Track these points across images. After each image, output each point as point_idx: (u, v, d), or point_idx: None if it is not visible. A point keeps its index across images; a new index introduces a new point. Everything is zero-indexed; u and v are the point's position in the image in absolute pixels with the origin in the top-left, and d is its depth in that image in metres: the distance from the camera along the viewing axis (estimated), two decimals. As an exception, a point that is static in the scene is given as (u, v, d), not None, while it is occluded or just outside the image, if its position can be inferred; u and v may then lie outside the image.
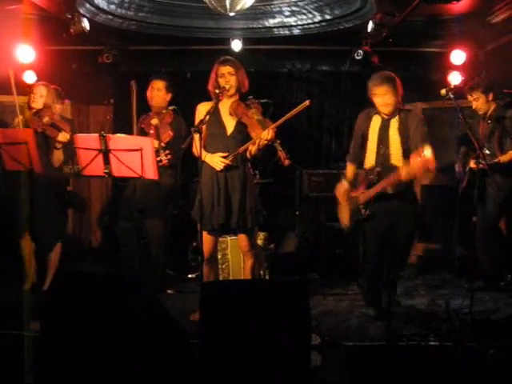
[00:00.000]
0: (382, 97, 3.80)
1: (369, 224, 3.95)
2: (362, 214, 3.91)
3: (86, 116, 6.25)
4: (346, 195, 3.98)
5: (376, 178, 3.82)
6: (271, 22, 5.55)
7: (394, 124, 3.83)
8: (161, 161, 4.05)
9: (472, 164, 4.51)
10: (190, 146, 3.61)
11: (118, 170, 3.72)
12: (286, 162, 3.45)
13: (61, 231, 4.59)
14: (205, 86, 3.79)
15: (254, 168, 4.48)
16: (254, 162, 3.98)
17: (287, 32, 5.64)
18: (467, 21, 5.06)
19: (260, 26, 5.59)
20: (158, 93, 4.45)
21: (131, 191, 4.46)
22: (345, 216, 4.03)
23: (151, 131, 4.36)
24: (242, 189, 3.71)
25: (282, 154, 3.45)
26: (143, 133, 4.39)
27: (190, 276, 5.08)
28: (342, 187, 4.00)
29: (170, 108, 4.49)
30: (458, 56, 5.45)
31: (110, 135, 3.70)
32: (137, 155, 3.64)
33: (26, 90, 4.51)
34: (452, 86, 3.87)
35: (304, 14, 5.37)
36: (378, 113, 3.88)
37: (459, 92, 4.23)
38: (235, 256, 4.60)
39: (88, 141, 3.71)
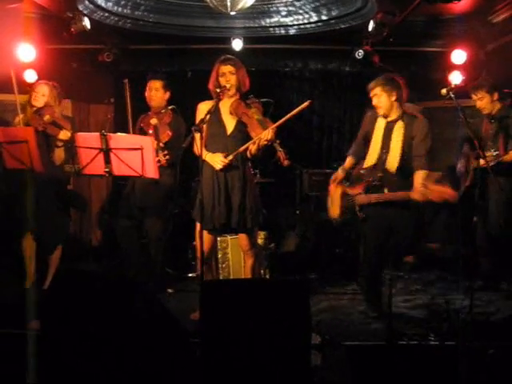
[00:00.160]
0: (374, 98, 3.85)
1: (366, 225, 3.96)
2: (358, 216, 3.92)
3: (87, 115, 6.25)
4: (339, 182, 4.06)
5: (378, 183, 3.83)
6: (272, 21, 5.55)
7: (398, 129, 3.82)
8: (159, 161, 4.05)
9: (475, 163, 4.50)
10: (191, 145, 3.61)
11: (119, 169, 3.72)
12: (286, 163, 3.45)
13: (64, 232, 4.59)
14: (205, 85, 3.79)
15: (254, 167, 4.49)
16: (254, 161, 3.99)
17: (288, 31, 5.64)
18: (468, 20, 5.06)
19: (260, 25, 5.59)
20: (156, 93, 4.45)
21: (130, 189, 4.46)
22: (335, 209, 4.06)
23: (150, 131, 4.36)
24: (242, 188, 3.71)
25: (281, 154, 3.45)
26: (142, 132, 4.39)
27: (190, 275, 5.08)
28: (337, 174, 4.09)
29: (170, 108, 4.49)
30: (458, 56, 5.45)
31: (111, 134, 3.70)
32: (137, 154, 3.64)
33: (26, 88, 4.51)
34: (453, 86, 3.87)
35: (305, 13, 5.37)
36: (384, 113, 3.89)
37: (460, 92, 4.23)
38: (235, 255, 4.60)
39: (89, 140, 3.72)
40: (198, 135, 3.42)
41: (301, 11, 5.32)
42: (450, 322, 3.56)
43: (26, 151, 3.94)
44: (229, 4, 3.90)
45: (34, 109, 4.29)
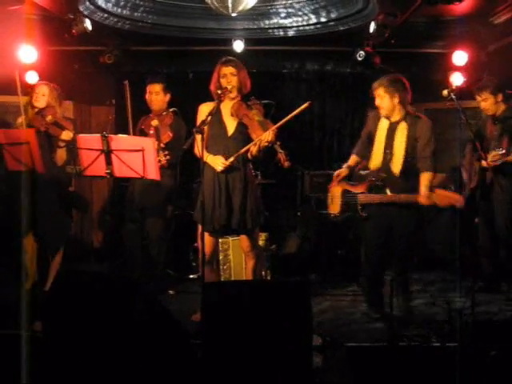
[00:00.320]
0: (377, 99, 3.86)
1: (367, 225, 3.96)
2: (360, 215, 3.92)
3: (88, 116, 6.26)
4: (341, 179, 4.06)
5: (381, 183, 3.84)
6: (272, 22, 5.55)
7: (402, 130, 3.82)
8: (160, 161, 4.05)
9: (477, 165, 4.50)
10: (191, 146, 3.61)
11: (120, 171, 3.72)
12: (286, 164, 3.45)
13: (65, 233, 4.60)
14: (207, 86, 3.80)
15: (255, 169, 4.48)
16: (255, 163, 3.99)
17: (288, 33, 5.64)
18: (469, 22, 5.06)
19: (261, 26, 5.59)
20: (157, 96, 4.46)
21: (131, 192, 4.49)
22: (335, 205, 4.06)
23: (151, 132, 4.37)
24: (243, 190, 3.71)
25: (281, 155, 3.45)
26: (143, 134, 4.41)
27: (191, 276, 5.09)
28: (341, 171, 4.09)
29: (171, 110, 4.49)
30: (460, 57, 5.44)
31: (112, 135, 3.70)
32: (138, 156, 3.63)
33: (27, 90, 4.51)
34: (454, 87, 3.88)
35: (305, 15, 5.38)
36: (386, 114, 3.89)
37: (461, 93, 4.23)
38: (237, 257, 4.60)
39: (90, 141, 3.72)
40: (199, 137, 3.43)
41: (301, 13, 5.32)
42: (451, 324, 3.55)
43: (27, 153, 3.95)
44: (230, 6, 3.91)
45: (36, 110, 4.29)
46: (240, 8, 3.95)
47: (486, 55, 5.55)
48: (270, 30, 5.63)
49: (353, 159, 4.13)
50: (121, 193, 4.78)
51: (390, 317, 3.52)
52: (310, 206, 5.62)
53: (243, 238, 3.83)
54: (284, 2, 5.21)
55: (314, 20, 5.42)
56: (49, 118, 4.21)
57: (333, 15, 5.28)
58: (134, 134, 4.36)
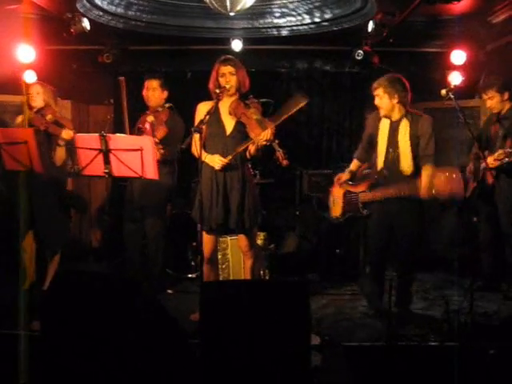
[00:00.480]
0: (377, 99, 3.87)
1: (369, 223, 3.97)
2: (361, 213, 3.92)
3: (87, 116, 6.25)
4: (343, 184, 4.05)
5: (382, 181, 3.84)
6: (271, 21, 5.54)
7: (403, 128, 3.83)
8: None
9: (476, 163, 4.49)
10: (190, 145, 3.61)
11: (118, 170, 3.72)
12: (284, 163, 3.44)
13: (64, 232, 4.59)
14: (205, 85, 3.79)
15: (254, 168, 4.49)
16: (254, 162, 3.99)
17: (287, 32, 5.64)
18: (468, 21, 5.06)
19: (260, 25, 5.58)
20: (154, 92, 4.46)
21: (130, 191, 4.48)
22: (337, 208, 4.06)
23: (147, 127, 4.37)
24: (241, 189, 3.70)
25: (280, 154, 3.45)
26: (140, 132, 4.40)
27: (190, 276, 5.08)
28: (342, 175, 4.11)
29: (166, 106, 4.49)
30: (458, 56, 5.44)
31: (111, 135, 3.70)
32: (137, 155, 3.63)
33: (25, 89, 4.51)
34: (452, 86, 3.87)
35: (304, 14, 5.37)
36: (385, 114, 3.89)
37: (459, 92, 4.23)
38: (235, 256, 4.60)
39: (88, 140, 3.71)
40: (197, 136, 3.42)
41: (299, 12, 5.32)
42: (449, 323, 3.55)
43: (25, 152, 3.94)
44: (228, 5, 3.90)
45: (35, 109, 4.29)
46: (238, 7, 3.94)
47: (484, 54, 5.55)
48: (271, 30, 5.63)
49: (354, 164, 4.15)
50: (119, 192, 4.78)
51: (389, 316, 3.52)
52: (309, 206, 5.63)
53: (241, 237, 3.82)
54: (284, 1, 5.20)
55: (314, 20, 5.42)
56: (49, 116, 4.21)
57: (332, 14, 5.28)
58: (132, 133, 4.35)
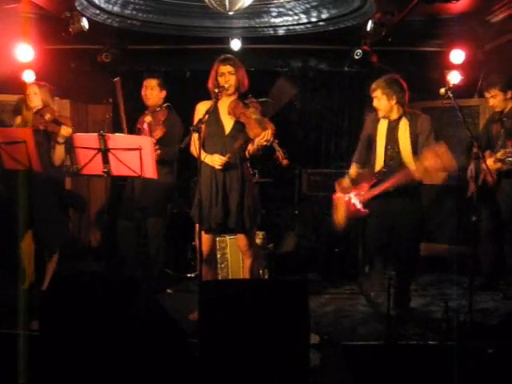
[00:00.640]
0: (375, 100, 3.88)
1: (369, 223, 3.97)
2: (363, 216, 3.93)
3: (85, 115, 6.25)
4: (345, 189, 4.04)
5: (382, 179, 3.84)
6: (270, 20, 5.54)
7: (403, 126, 3.83)
8: None
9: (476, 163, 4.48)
10: (189, 145, 3.61)
11: (117, 169, 3.71)
12: (284, 162, 3.44)
13: (63, 232, 4.59)
14: (204, 85, 3.79)
15: (253, 168, 4.48)
16: (253, 161, 3.98)
17: (286, 31, 5.64)
18: (466, 20, 5.06)
19: (259, 25, 5.58)
20: (152, 91, 4.46)
21: (130, 191, 4.47)
22: (340, 215, 4.04)
23: (145, 127, 4.37)
24: (240, 188, 3.70)
25: (280, 153, 3.45)
26: (139, 133, 4.40)
27: (189, 275, 5.08)
28: (343, 181, 4.09)
29: (164, 105, 4.49)
30: (457, 55, 5.44)
31: (109, 134, 3.69)
32: (136, 154, 3.63)
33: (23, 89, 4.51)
34: (451, 86, 3.87)
35: (303, 13, 5.37)
36: (384, 116, 3.90)
37: (458, 91, 4.23)
38: (234, 255, 4.60)
39: (87, 140, 3.71)
40: (196, 135, 3.42)
41: (298, 11, 5.31)
42: (448, 322, 3.55)
43: (24, 152, 3.94)
44: (227, 4, 3.90)
45: (35, 109, 4.28)
46: (237, 6, 3.94)
47: (483, 54, 5.55)
48: (270, 29, 5.62)
49: (353, 168, 4.13)
50: (118, 192, 4.78)
51: (388, 315, 3.52)
52: (308, 205, 5.63)
53: (240, 236, 3.82)
54: (282, 0, 5.20)
55: (312, 19, 5.41)
56: (47, 116, 4.21)
57: (332, 13, 5.28)
58: (132, 133, 4.35)
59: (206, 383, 2.47)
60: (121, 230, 4.51)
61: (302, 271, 5.10)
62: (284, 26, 5.56)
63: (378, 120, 3.94)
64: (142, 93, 4.49)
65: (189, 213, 3.95)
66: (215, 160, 3.64)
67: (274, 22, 5.52)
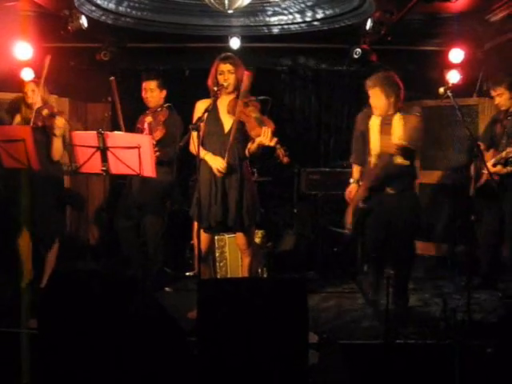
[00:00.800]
0: (372, 98, 3.87)
1: (368, 221, 3.97)
2: (360, 207, 3.93)
3: (84, 113, 6.24)
4: (353, 196, 4.05)
5: (377, 173, 3.84)
6: (269, 19, 5.54)
7: (397, 120, 3.84)
8: None
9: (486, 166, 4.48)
10: (188, 143, 3.60)
11: (116, 168, 3.71)
12: (285, 160, 3.44)
13: (60, 227, 4.59)
14: (203, 83, 3.78)
15: (252, 166, 4.48)
16: (252, 160, 3.98)
17: (286, 29, 5.63)
18: (466, 19, 5.06)
19: (258, 23, 5.58)
20: (152, 93, 4.44)
21: (128, 189, 4.47)
22: (349, 217, 4.04)
23: (145, 125, 4.36)
24: (239, 187, 3.70)
25: (280, 151, 3.45)
26: (139, 132, 4.40)
27: (187, 274, 5.07)
28: (352, 189, 4.07)
29: (165, 106, 4.48)
30: (456, 54, 5.44)
31: (108, 132, 3.69)
32: (134, 153, 3.63)
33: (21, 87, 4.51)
34: (450, 85, 3.87)
35: (302, 11, 5.37)
36: (380, 114, 3.89)
37: (457, 90, 4.23)
38: (233, 254, 4.59)
39: (86, 138, 3.71)
40: (195, 134, 3.41)
41: (291, 11, 5.32)
42: (447, 321, 3.56)
43: (23, 150, 3.94)
44: (226, 2, 3.89)
45: (36, 108, 4.27)
46: (236, 5, 3.94)
47: (482, 53, 5.55)
48: (269, 27, 5.62)
49: (355, 170, 4.13)
50: (117, 190, 4.77)
51: (387, 314, 3.52)
52: (307, 204, 5.63)
53: (239, 235, 3.82)
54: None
55: (313, 16, 5.41)
56: (45, 111, 4.23)
57: (331, 11, 5.28)
58: (127, 130, 4.34)
59: (205, 381, 2.47)
60: (122, 230, 4.51)
61: (300, 270, 5.10)
62: (281, 24, 5.56)
63: (369, 116, 3.95)
64: (143, 95, 4.46)
65: (187, 211, 3.94)
66: (217, 163, 3.61)
67: (268, 21, 5.53)
